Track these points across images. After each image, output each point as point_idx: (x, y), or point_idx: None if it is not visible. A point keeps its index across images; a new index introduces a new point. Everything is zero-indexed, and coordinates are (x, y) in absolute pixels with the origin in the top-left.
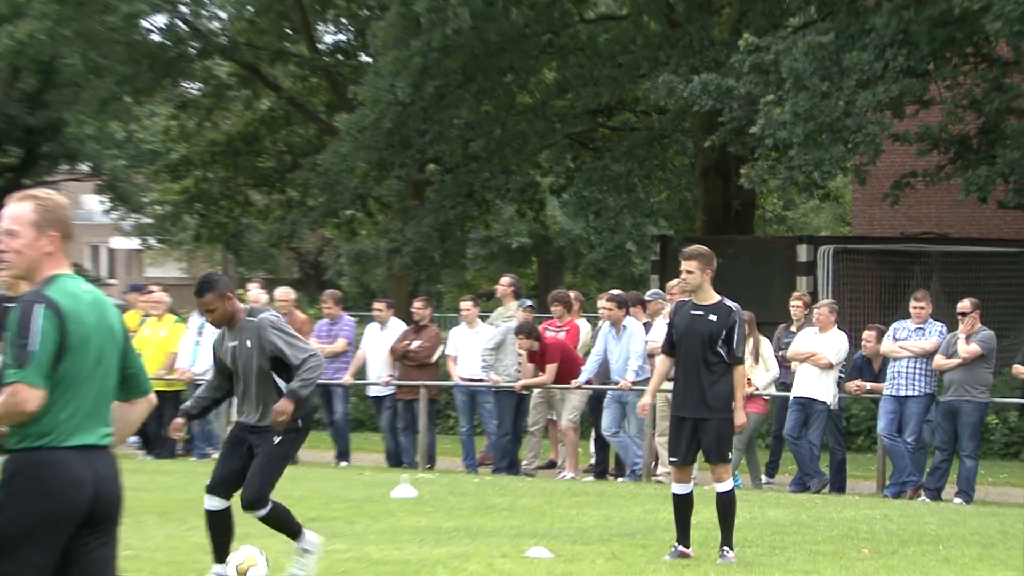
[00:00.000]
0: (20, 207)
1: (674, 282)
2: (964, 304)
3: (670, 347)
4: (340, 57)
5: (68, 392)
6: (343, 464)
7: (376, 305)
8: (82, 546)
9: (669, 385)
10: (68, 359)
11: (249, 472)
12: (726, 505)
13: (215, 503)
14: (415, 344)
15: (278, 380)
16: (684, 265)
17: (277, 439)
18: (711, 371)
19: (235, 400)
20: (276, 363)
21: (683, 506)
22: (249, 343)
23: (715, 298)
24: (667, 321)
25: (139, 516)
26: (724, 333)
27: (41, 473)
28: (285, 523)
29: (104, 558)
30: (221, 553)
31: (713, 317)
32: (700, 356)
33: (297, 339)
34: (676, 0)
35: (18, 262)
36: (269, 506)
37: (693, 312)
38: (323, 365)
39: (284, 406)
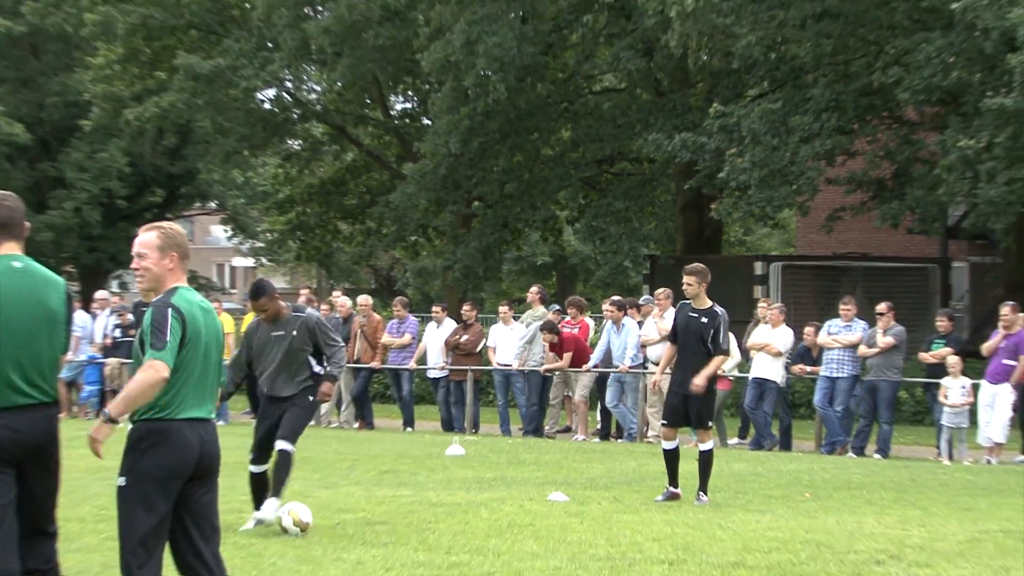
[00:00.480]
0: (148, 236)
1: (660, 290)
2: (881, 307)
3: (674, 337)
4: (407, 120)
5: (182, 377)
6: (408, 430)
7: (434, 308)
8: (191, 495)
9: (653, 368)
10: (184, 351)
11: (287, 417)
12: (706, 460)
13: (259, 468)
14: (464, 338)
15: (312, 361)
16: (686, 279)
17: (311, 397)
18: (701, 361)
19: (265, 376)
20: (315, 349)
21: (671, 457)
22: (295, 332)
23: (708, 304)
24: (665, 319)
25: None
26: (712, 333)
27: (162, 438)
28: (284, 474)
29: (208, 503)
30: (260, 502)
31: (704, 320)
32: (694, 349)
33: (331, 332)
34: (662, 76)
35: (148, 277)
36: (294, 450)
37: (690, 314)
38: (346, 355)
39: (328, 388)
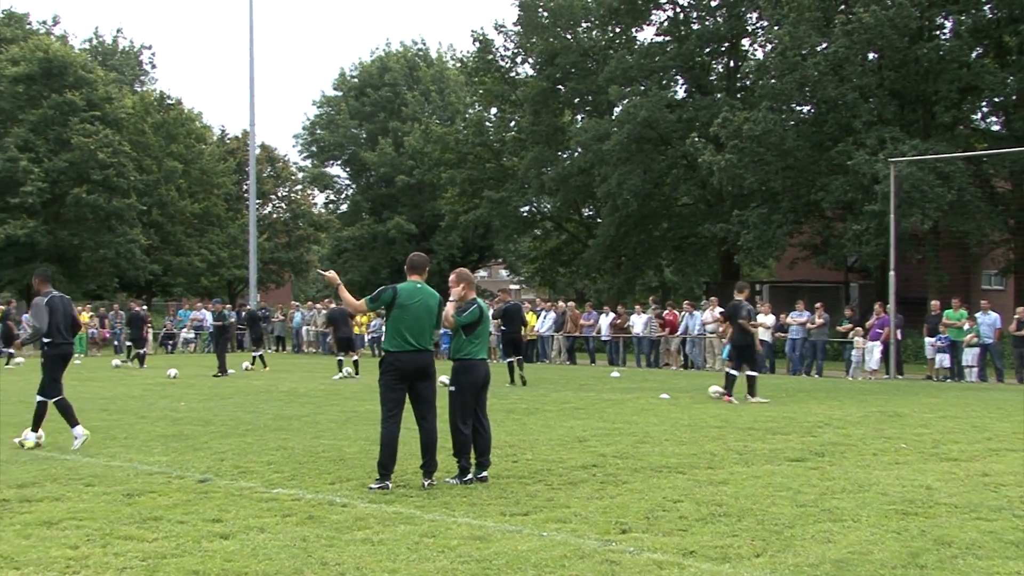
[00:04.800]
0: (455, 274)
1: (712, 298)
2: (818, 305)
3: (727, 317)
4: (590, 219)
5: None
6: (593, 364)
7: (605, 307)
8: (479, 395)
9: (708, 334)
10: (479, 326)
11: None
12: (752, 381)
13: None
14: (618, 320)
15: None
16: (737, 291)
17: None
18: (745, 330)
19: None
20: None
21: (731, 379)
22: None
23: (736, 300)
24: (714, 312)
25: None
26: (744, 312)
27: (467, 367)
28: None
29: (484, 399)
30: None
31: (738, 306)
32: (736, 321)
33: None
34: (709, 197)
35: (456, 292)
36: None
37: (735, 303)
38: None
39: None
